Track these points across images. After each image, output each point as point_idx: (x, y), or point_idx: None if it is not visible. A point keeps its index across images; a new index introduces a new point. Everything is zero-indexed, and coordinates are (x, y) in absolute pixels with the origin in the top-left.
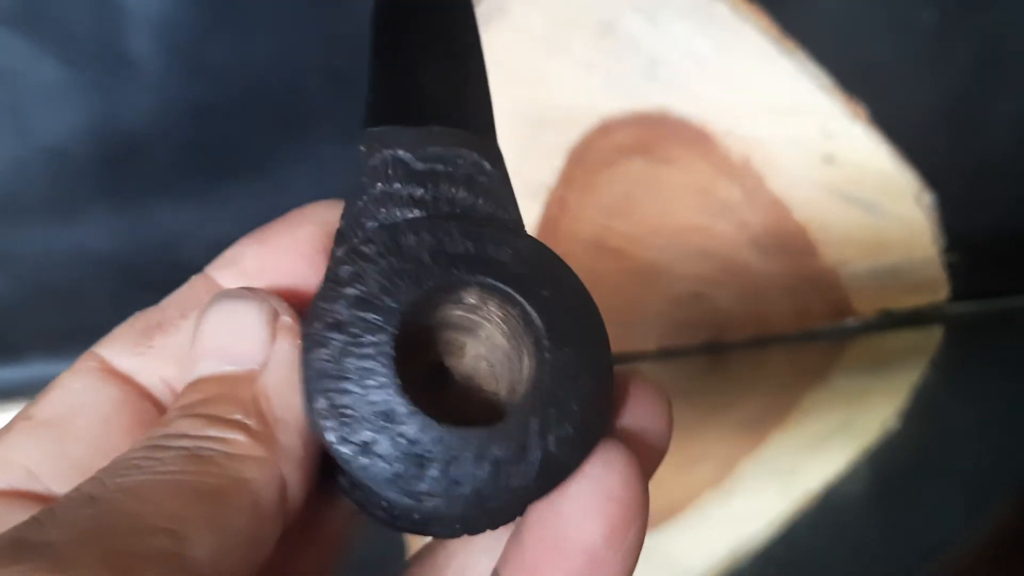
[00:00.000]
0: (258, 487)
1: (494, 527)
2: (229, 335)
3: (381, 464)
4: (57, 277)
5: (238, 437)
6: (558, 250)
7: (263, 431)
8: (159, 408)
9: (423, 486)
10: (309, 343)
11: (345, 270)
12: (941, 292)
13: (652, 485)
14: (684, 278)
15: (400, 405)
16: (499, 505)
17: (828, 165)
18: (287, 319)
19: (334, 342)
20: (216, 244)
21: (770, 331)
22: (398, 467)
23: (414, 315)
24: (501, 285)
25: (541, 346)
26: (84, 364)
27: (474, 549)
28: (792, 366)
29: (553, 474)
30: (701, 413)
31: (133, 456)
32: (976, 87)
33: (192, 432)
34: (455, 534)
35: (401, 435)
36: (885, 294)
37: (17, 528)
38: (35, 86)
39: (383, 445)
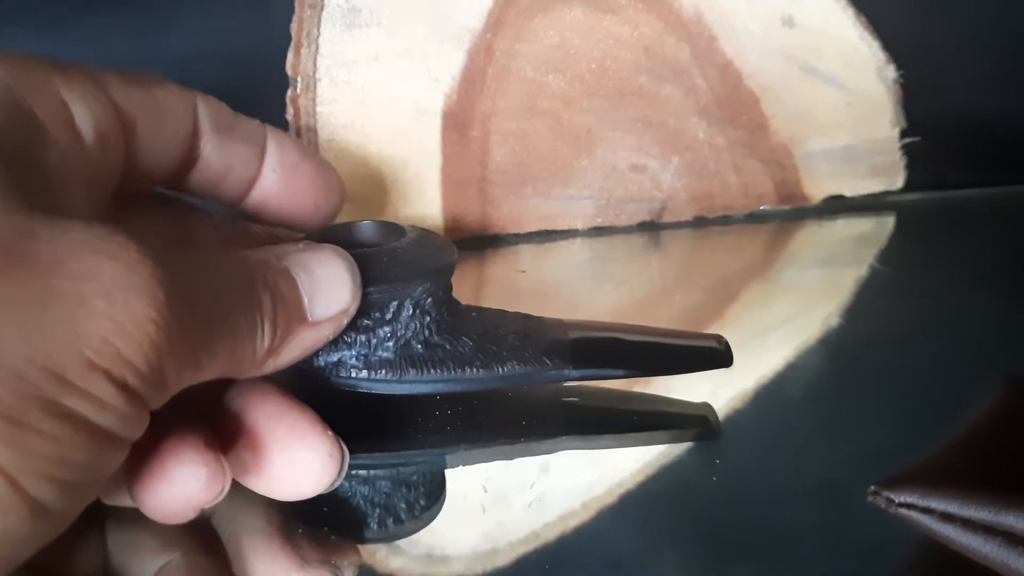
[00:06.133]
0: (243, 352)
1: None
2: (329, 286)
3: None
4: None
5: (264, 324)
6: (482, 107)
7: (272, 344)
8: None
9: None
10: None
11: None
12: (896, 180)
13: None
14: (623, 147)
15: None
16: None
17: (787, 28)
18: (345, 320)
19: None
20: None
21: (714, 211)
22: None
23: None
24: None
25: None
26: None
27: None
28: (735, 252)
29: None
30: (635, 301)
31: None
32: None
33: (248, 278)
34: None
35: None
36: (838, 178)
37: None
38: None
39: None
